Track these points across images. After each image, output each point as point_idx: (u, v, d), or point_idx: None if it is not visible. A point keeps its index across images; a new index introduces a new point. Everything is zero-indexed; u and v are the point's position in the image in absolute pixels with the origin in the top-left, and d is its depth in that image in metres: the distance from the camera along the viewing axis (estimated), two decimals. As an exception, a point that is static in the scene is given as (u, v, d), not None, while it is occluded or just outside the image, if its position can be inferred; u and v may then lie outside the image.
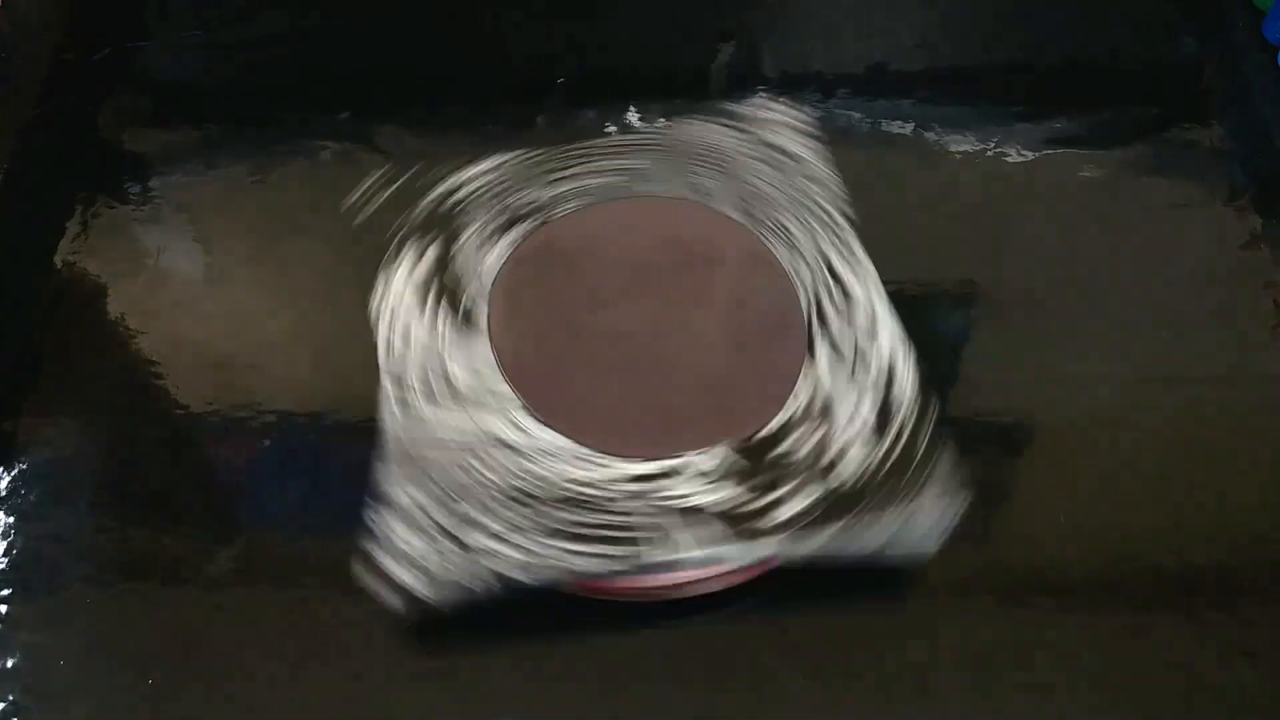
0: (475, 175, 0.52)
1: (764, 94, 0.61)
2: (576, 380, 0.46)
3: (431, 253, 0.50)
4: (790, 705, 0.44)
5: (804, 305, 0.48)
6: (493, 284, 0.49)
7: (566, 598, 0.44)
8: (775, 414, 0.45)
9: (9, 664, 0.44)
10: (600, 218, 0.51)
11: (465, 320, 0.47)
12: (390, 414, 0.44)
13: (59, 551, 0.47)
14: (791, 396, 0.45)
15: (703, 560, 0.41)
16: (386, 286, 0.48)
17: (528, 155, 0.53)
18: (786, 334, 0.47)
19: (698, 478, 0.43)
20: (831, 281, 0.49)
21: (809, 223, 0.51)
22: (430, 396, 0.45)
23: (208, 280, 0.55)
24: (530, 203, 0.52)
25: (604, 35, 0.66)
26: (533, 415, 0.44)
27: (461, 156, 0.52)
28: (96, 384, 0.52)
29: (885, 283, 0.48)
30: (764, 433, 0.44)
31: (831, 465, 0.43)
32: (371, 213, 0.56)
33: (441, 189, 0.52)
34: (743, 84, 0.63)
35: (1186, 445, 0.50)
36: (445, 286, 0.48)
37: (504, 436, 0.44)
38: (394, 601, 0.40)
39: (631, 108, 0.60)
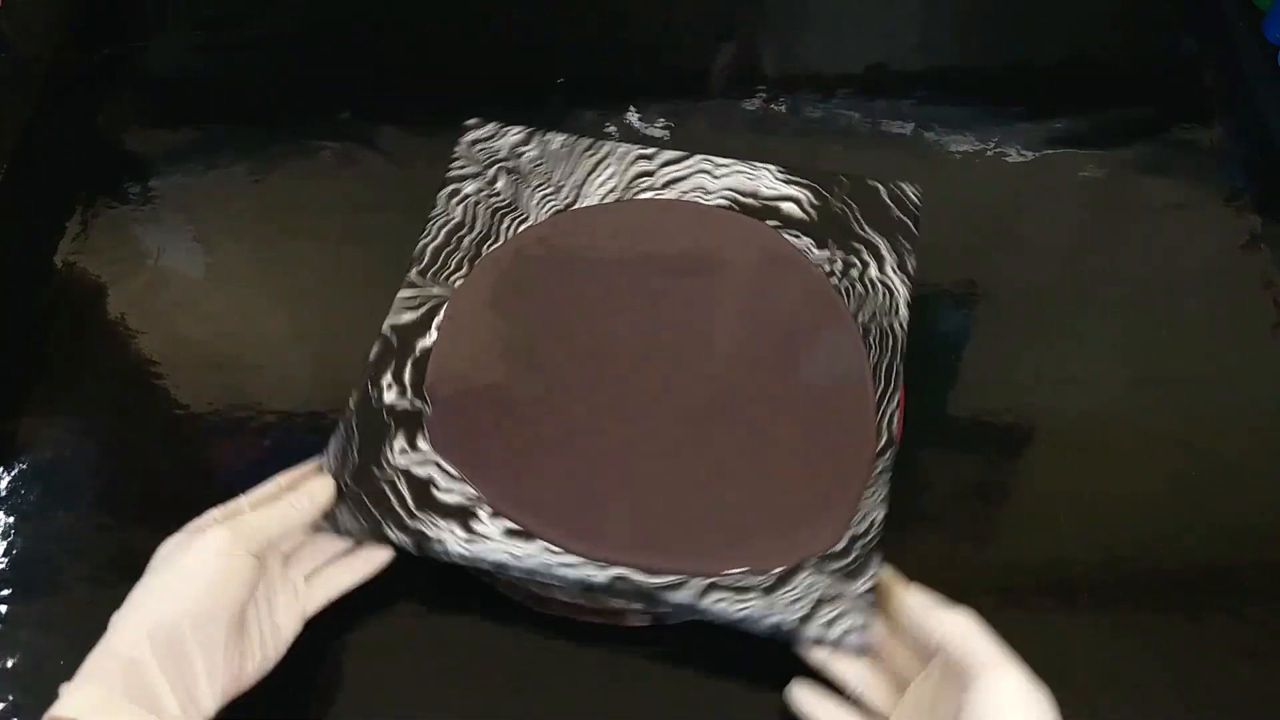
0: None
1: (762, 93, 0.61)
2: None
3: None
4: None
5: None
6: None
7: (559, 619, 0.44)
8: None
9: (9, 664, 0.44)
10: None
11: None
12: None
13: (59, 551, 0.47)
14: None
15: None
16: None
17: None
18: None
19: None
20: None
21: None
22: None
23: (208, 280, 0.55)
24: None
25: (604, 35, 0.66)
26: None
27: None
28: (96, 384, 0.52)
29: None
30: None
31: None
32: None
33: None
34: (743, 84, 0.63)
35: (1186, 445, 0.50)
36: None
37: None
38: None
39: (631, 108, 0.60)
